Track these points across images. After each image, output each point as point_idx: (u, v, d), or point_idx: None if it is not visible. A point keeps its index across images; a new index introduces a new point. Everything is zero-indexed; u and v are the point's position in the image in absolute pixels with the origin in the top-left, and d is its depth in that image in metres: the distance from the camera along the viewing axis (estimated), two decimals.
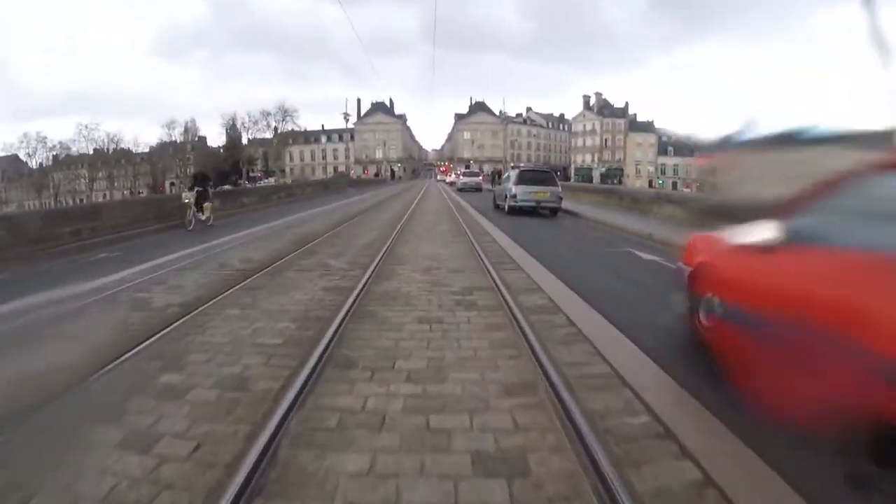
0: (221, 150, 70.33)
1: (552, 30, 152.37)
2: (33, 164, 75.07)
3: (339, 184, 34.43)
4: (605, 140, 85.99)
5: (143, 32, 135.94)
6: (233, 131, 70.03)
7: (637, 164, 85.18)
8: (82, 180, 72.50)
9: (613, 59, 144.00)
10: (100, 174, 73.95)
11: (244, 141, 69.54)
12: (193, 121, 76.33)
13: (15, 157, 75.23)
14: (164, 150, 76.34)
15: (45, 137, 70.51)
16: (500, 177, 20.89)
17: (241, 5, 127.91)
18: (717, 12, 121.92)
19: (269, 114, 68.49)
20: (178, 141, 74.86)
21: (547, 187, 13.44)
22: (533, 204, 13.23)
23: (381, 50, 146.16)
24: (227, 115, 68.60)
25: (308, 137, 79.37)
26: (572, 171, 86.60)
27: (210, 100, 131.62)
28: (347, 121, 41.47)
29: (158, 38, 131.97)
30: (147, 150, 76.63)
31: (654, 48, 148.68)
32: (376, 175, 73.36)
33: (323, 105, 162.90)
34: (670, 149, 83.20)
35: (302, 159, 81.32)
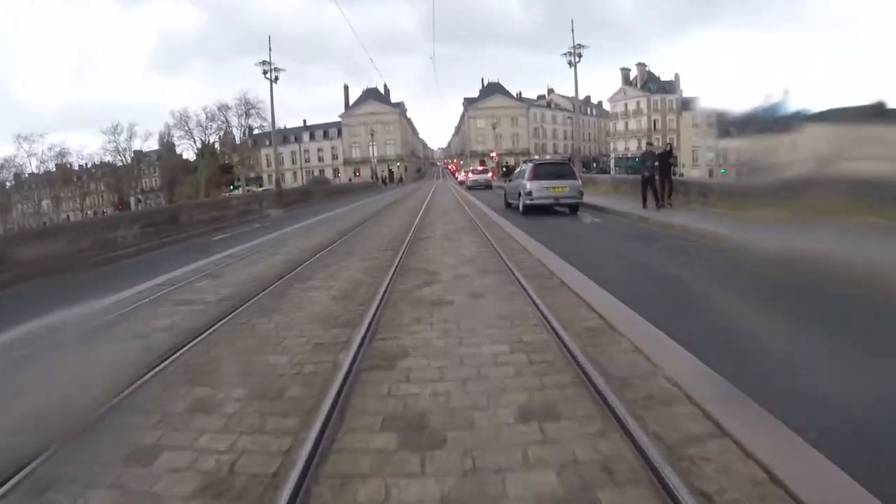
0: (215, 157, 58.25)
1: (558, 16, 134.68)
2: None
3: (236, 205, 19.14)
4: (654, 122, 68.83)
5: (139, 48, 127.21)
6: (225, 138, 58.63)
7: (693, 150, 68.54)
8: (29, 202, 61.91)
9: (627, 40, 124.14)
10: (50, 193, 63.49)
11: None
12: (168, 127, 64.39)
13: None
14: (137, 162, 66.55)
15: None
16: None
17: (238, 10, 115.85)
18: None
19: (227, 108, 54.98)
20: (124, 149, 63.46)
21: (565, 181, 12.00)
22: (551, 201, 11.90)
23: (382, 50, 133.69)
24: (178, 113, 55.31)
25: (288, 136, 65.53)
26: (612, 162, 70.31)
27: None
28: (276, 80, 27.41)
29: (156, 51, 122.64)
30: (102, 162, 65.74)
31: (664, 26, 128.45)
32: (373, 178, 59.12)
33: (324, 108, 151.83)
34: (732, 129, 66.14)
35: (281, 163, 67.58)
